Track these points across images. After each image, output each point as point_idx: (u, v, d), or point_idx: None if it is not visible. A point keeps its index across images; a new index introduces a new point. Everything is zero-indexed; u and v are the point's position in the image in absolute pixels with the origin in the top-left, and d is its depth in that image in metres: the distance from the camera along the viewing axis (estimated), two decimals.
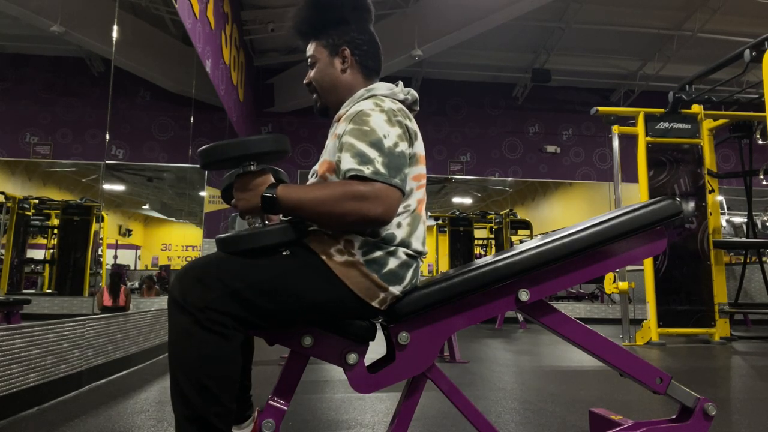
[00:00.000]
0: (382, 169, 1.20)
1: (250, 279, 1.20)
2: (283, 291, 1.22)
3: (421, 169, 1.37)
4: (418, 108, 1.47)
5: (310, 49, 1.47)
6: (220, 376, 1.15)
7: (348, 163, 1.21)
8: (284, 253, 1.25)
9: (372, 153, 1.21)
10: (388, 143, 1.24)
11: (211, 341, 1.14)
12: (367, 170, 1.19)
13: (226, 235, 1.26)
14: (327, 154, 1.35)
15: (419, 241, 1.34)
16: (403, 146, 1.28)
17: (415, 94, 1.45)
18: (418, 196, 1.35)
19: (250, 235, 1.23)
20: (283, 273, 1.23)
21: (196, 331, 1.14)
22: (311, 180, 1.40)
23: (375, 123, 1.26)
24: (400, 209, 1.30)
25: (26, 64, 8.62)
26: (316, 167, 1.40)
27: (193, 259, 1.31)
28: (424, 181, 1.38)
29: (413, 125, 1.36)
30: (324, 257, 1.25)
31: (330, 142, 1.36)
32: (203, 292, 1.16)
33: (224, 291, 1.17)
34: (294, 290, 1.22)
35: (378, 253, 1.27)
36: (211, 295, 1.16)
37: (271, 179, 1.27)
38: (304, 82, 1.49)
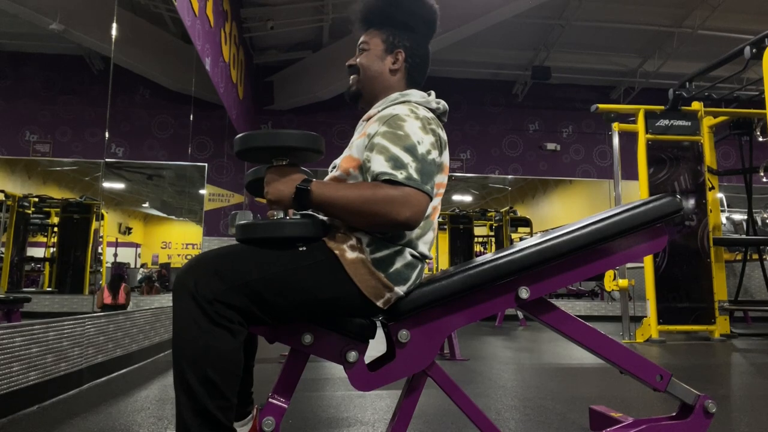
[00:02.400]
0: (414, 175, 1.22)
1: (265, 272, 1.20)
2: (294, 285, 1.22)
3: (443, 178, 1.39)
4: (446, 119, 1.48)
5: (367, 36, 1.49)
6: (225, 370, 1.15)
7: (381, 165, 1.22)
8: (301, 248, 1.26)
9: (406, 158, 1.23)
10: (421, 150, 1.26)
11: (218, 334, 1.15)
12: (400, 175, 1.21)
13: (247, 222, 1.28)
14: (353, 151, 1.36)
15: (426, 246, 1.35)
16: (434, 154, 1.29)
17: (446, 105, 1.47)
18: (434, 203, 1.36)
19: (273, 224, 1.25)
20: (297, 268, 1.24)
21: (204, 322, 1.15)
22: (331, 173, 1.41)
23: (410, 128, 1.27)
24: None
25: (26, 62, 8.62)
26: (337, 161, 1.42)
27: (207, 250, 1.31)
28: (442, 190, 1.40)
29: (444, 135, 1.38)
30: (337, 253, 1.26)
31: (358, 140, 1.36)
32: (215, 283, 1.16)
33: (237, 283, 1.17)
34: (304, 285, 1.23)
35: (385, 252, 1.28)
36: (222, 286, 1.16)
37: (303, 174, 1.29)
38: (348, 63, 1.50)
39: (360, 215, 1.22)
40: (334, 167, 1.42)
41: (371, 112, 1.43)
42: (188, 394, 1.13)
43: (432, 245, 1.39)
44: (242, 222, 1.28)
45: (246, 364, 1.42)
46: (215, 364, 1.13)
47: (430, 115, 1.36)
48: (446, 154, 1.39)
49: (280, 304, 1.21)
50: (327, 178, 1.41)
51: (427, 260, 1.36)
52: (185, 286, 1.17)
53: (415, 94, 1.42)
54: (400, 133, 1.26)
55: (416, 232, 1.32)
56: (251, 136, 1.26)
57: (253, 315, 1.20)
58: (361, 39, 1.49)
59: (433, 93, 1.48)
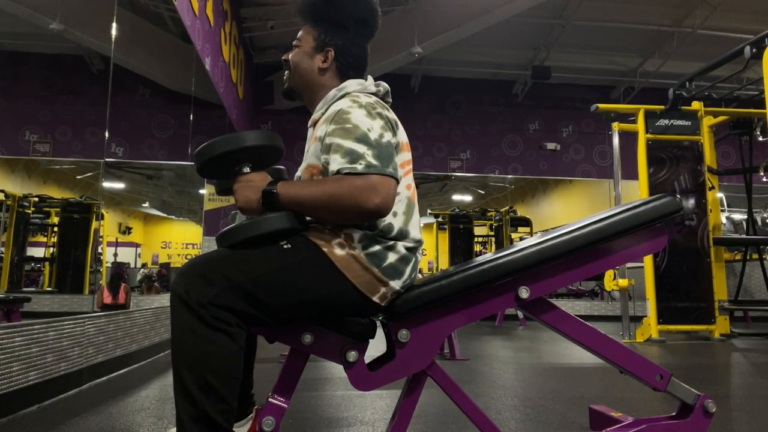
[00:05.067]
0: (374, 161, 1.21)
1: (253, 272, 1.20)
2: (286, 284, 1.22)
3: (405, 156, 1.38)
4: (391, 100, 1.47)
5: (302, 32, 1.48)
6: (224, 374, 1.15)
7: (339, 163, 1.22)
8: (285, 246, 1.25)
9: (361, 148, 1.22)
10: (373, 136, 1.25)
11: (215, 339, 1.14)
12: (360, 166, 1.20)
13: (225, 229, 1.27)
14: (310, 158, 1.36)
15: (416, 229, 1.35)
16: (388, 136, 1.29)
17: (387, 86, 1.46)
18: (406, 182, 1.36)
19: (249, 224, 1.24)
20: (285, 266, 1.23)
21: (200, 328, 1.14)
22: None
23: (356, 119, 1.27)
24: None
25: (25, 62, 8.61)
26: (299, 173, 1.42)
27: (195, 256, 1.31)
28: (410, 167, 1.40)
29: (392, 115, 1.37)
30: (325, 250, 1.26)
31: (311, 146, 1.37)
32: (206, 288, 1.16)
33: (227, 286, 1.17)
34: (296, 283, 1.23)
35: (377, 247, 1.27)
36: (214, 290, 1.16)
37: (269, 177, 1.28)
38: (283, 57, 1.50)
39: (329, 210, 1.22)
40: (298, 179, 1.42)
41: (315, 116, 1.42)
42: (188, 400, 1.13)
43: (420, 226, 1.38)
44: (222, 230, 1.28)
45: (246, 366, 1.42)
46: (215, 370, 1.13)
47: (372, 99, 1.35)
48: (401, 132, 1.38)
49: (274, 303, 1.21)
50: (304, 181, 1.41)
51: (420, 246, 1.36)
52: (178, 295, 1.17)
53: (351, 84, 1.41)
54: (348, 126, 1.26)
55: (402, 218, 1.32)
56: (208, 147, 1.25)
57: (252, 316, 1.20)
58: (298, 34, 1.49)
59: (370, 77, 1.46)
